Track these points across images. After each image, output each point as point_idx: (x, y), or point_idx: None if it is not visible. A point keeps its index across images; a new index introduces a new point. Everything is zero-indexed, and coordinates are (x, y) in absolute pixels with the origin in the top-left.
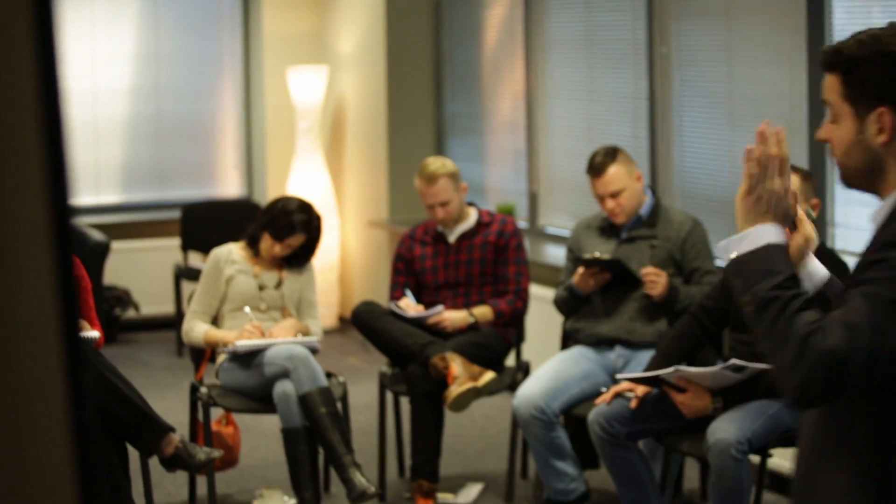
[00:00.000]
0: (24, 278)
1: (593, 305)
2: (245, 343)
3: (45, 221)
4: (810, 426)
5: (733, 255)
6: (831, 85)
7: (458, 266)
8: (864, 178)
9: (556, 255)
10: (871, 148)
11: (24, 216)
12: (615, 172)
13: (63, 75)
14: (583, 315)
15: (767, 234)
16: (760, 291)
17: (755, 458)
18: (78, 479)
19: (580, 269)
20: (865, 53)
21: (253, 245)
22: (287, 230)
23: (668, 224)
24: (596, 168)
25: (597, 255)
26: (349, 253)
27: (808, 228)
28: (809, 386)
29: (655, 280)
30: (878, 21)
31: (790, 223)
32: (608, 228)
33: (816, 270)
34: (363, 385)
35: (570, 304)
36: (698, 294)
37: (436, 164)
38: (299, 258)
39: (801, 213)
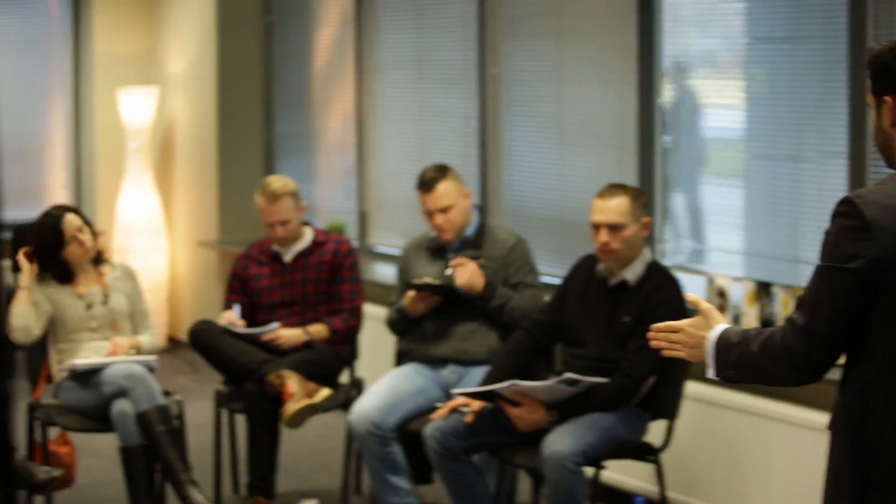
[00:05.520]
0: None
1: (425, 327)
2: (83, 362)
3: None
4: None
5: (711, 374)
6: None
7: (294, 285)
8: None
9: (386, 273)
10: (885, 131)
11: None
12: (446, 188)
13: None
14: (415, 336)
15: (709, 341)
16: (733, 361)
17: (589, 471)
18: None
19: (410, 293)
20: (879, 51)
21: (63, 272)
22: (60, 238)
23: (493, 243)
24: (426, 183)
25: (426, 280)
26: (178, 273)
27: (704, 306)
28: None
29: (462, 264)
30: (698, 43)
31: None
32: (437, 250)
33: None
34: (194, 404)
35: (402, 326)
36: (518, 299)
37: (278, 182)
38: (98, 254)
39: (703, 306)
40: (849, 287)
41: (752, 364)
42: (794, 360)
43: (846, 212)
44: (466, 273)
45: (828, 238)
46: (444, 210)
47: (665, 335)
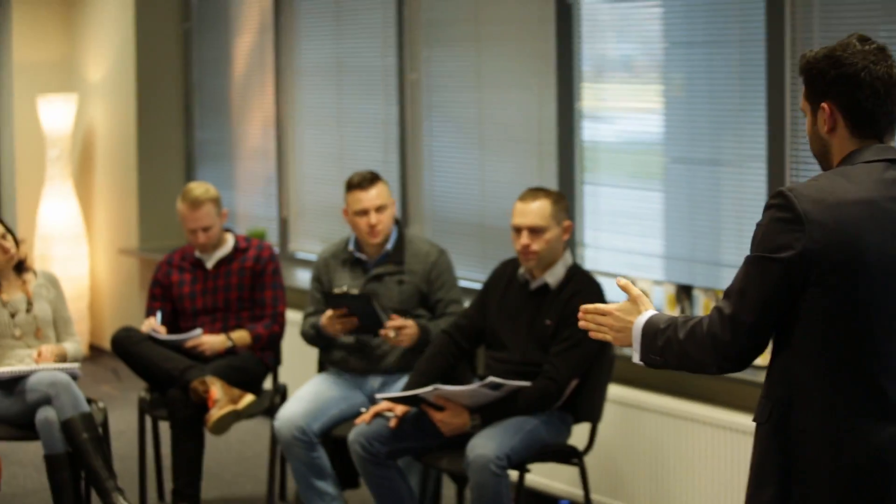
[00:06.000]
0: None
1: (345, 339)
2: (6, 370)
3: None
4: None
5: (636, 359)
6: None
7: (216, 292)
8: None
9: (307, 279)
10: (821, 137)
11: None
12: (381, 189)
13: None
14: (337, 347)
15: (636, 326)
16: (659, 346)
17: (514, 474)
18: None
19: (328, 312)
20: (813, 58)
21: None
22: None
23: (415, 257)
24: (361, 182)
25: (345, 289)
26: (99, 281)
27: (633, 292)
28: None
29: (402, 329)
30: (616, 48)
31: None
32: (355, 263)
33: None
34: (117, 412)
35: (317, 342)
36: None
37: (200, 189)
38: (18, 260)
39: (632, 291)
40: (777, 277)
41: (677, 350)
42: (720, 348)
43: (778, 204)
44: (408, 337)
45: (759, 229)
46: (379, 209)
47: (593, 317)
